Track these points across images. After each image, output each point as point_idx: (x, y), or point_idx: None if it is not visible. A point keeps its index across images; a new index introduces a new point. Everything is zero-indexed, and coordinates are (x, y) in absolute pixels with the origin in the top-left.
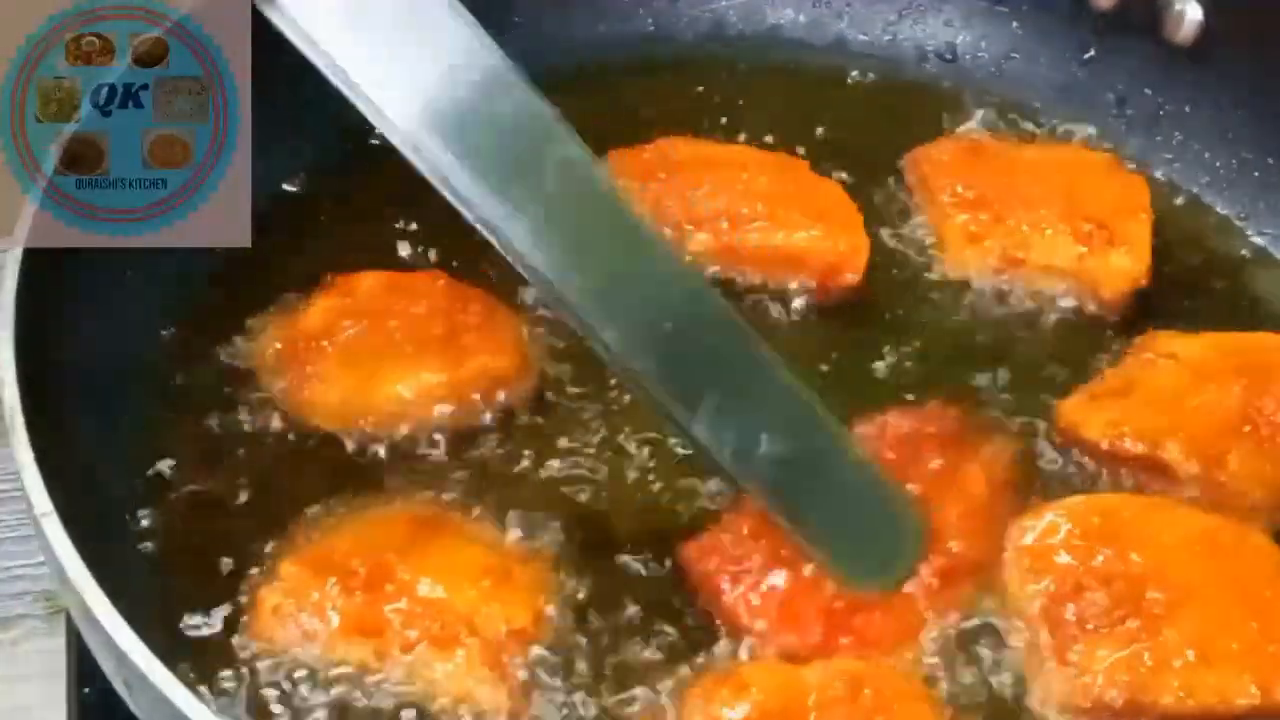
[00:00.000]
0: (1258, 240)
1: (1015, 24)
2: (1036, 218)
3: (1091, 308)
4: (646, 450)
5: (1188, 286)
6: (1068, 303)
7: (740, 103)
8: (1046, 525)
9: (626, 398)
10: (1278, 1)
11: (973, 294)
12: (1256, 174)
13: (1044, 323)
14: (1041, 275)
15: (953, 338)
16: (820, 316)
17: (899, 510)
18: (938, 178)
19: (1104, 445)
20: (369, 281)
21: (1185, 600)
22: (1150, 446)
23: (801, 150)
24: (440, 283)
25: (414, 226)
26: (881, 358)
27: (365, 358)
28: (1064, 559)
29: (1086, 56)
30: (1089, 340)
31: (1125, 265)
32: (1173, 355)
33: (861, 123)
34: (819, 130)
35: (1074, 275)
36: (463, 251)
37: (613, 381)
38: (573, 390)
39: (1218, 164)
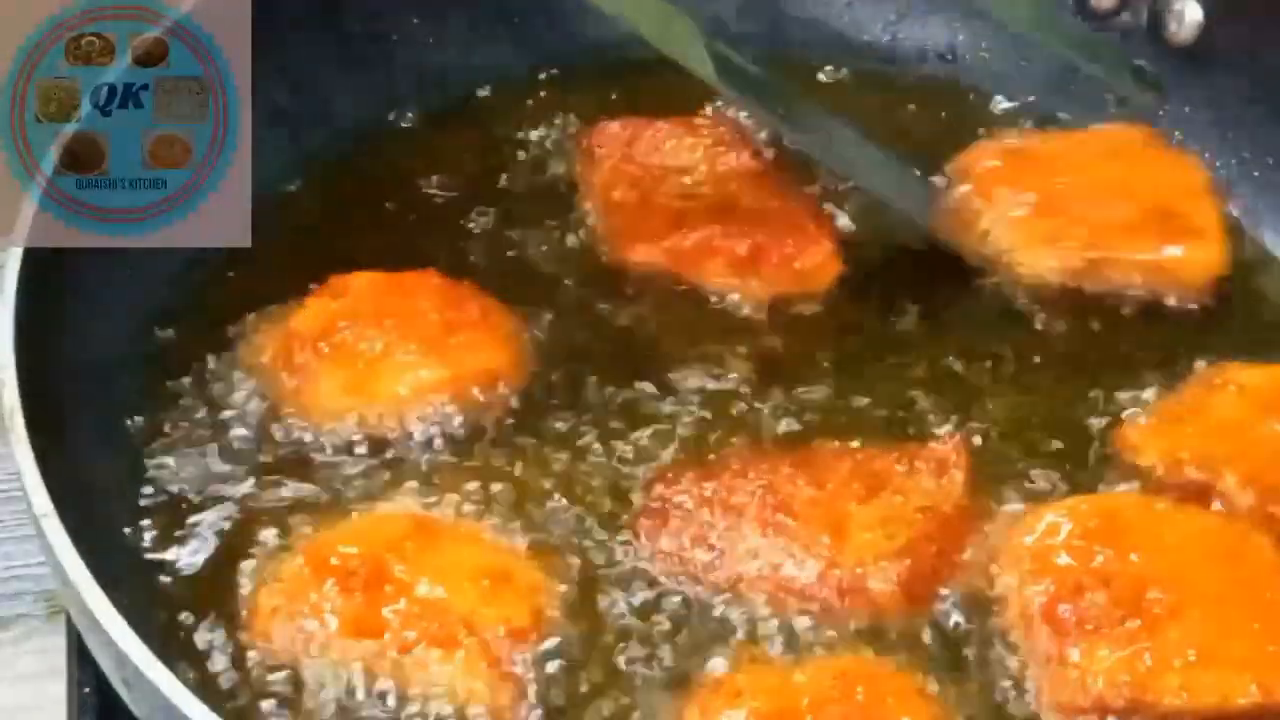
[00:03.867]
0: (1258, 240)
1: None
2: (1107, 214)
3: (1170, 301)
4: (649, 445)
5: None
6: (1141, 297)
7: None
8: (1047, 525)
9: (623, 394)
10: (1278, 1)
11: (1039, 296)
12: (1256, 174)
13: (1120, 322)
14: (1120, 272)
15: (1017, 342)
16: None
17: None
18: (993, 183)
19: (1159, 471)
20: (362, 281)
21: (1186, 600)
22: (1209, 475)
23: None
24: (434, 281)
25: (413, 226)
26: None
27: (361, 357)
28: (1064, 560)
29: None
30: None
31: (1204, 254)
32: (1236, 385)
33: (861, 123)
34: None
35: (1155, 269)
36: (461, 250)
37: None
38: (569, 387)
39: (1218, 164)
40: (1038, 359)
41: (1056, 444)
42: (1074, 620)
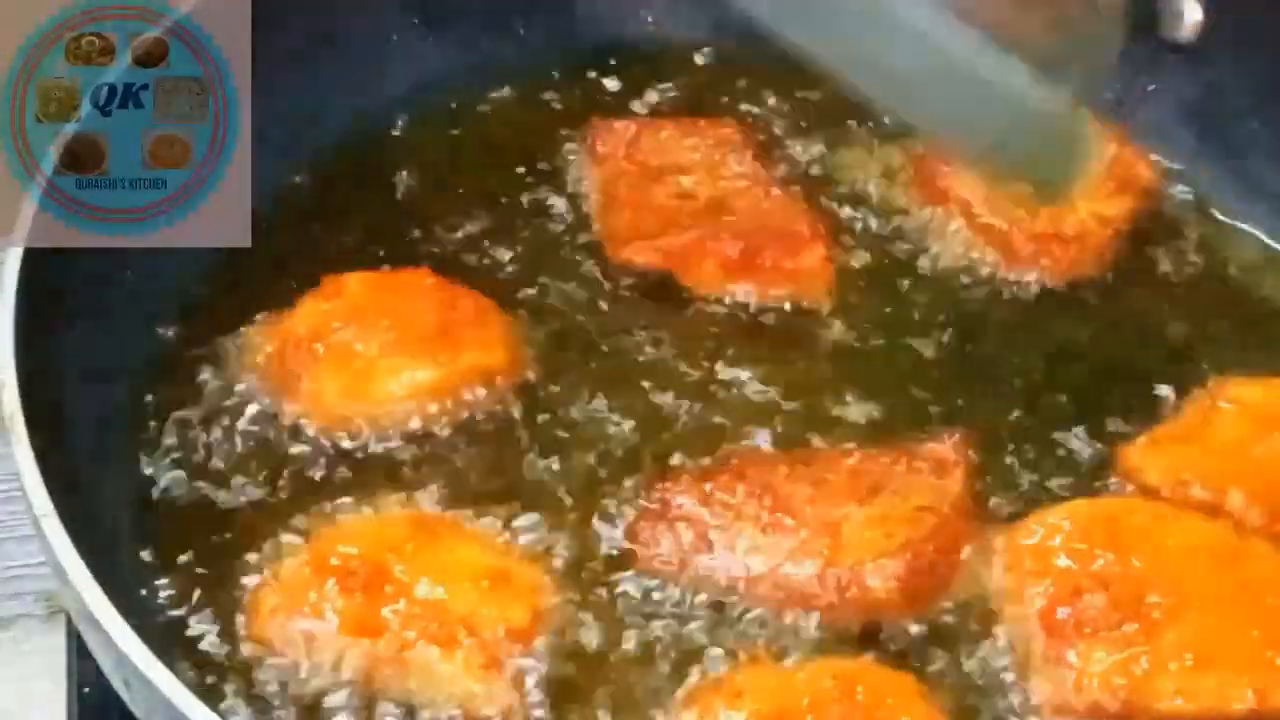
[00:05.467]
0: (1257, 240)
1: None
2: None
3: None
4: (646, 444)
5: (1190, 286)
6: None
7: (740, 103)
8: (1048, 527)
9: (620, 393)
10: (1278, 1)
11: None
12: (1256, 174)
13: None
14: None
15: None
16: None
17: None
18: None
19: (1164, 492)
20: (357, 281)
21: (1185, 605)
22: (1214, 494)
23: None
24: (429, 280)
25: (413, 226)
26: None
27: (358, 357)
28: (1065, 561)
29: None
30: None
31: None
32: (1236, 401)
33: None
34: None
35: None
36: (459, 249)
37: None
38: (566, 387)
39: (1217, 164)
40: (1043, 365)
41: (1059, 451)
42: (1072, 622)
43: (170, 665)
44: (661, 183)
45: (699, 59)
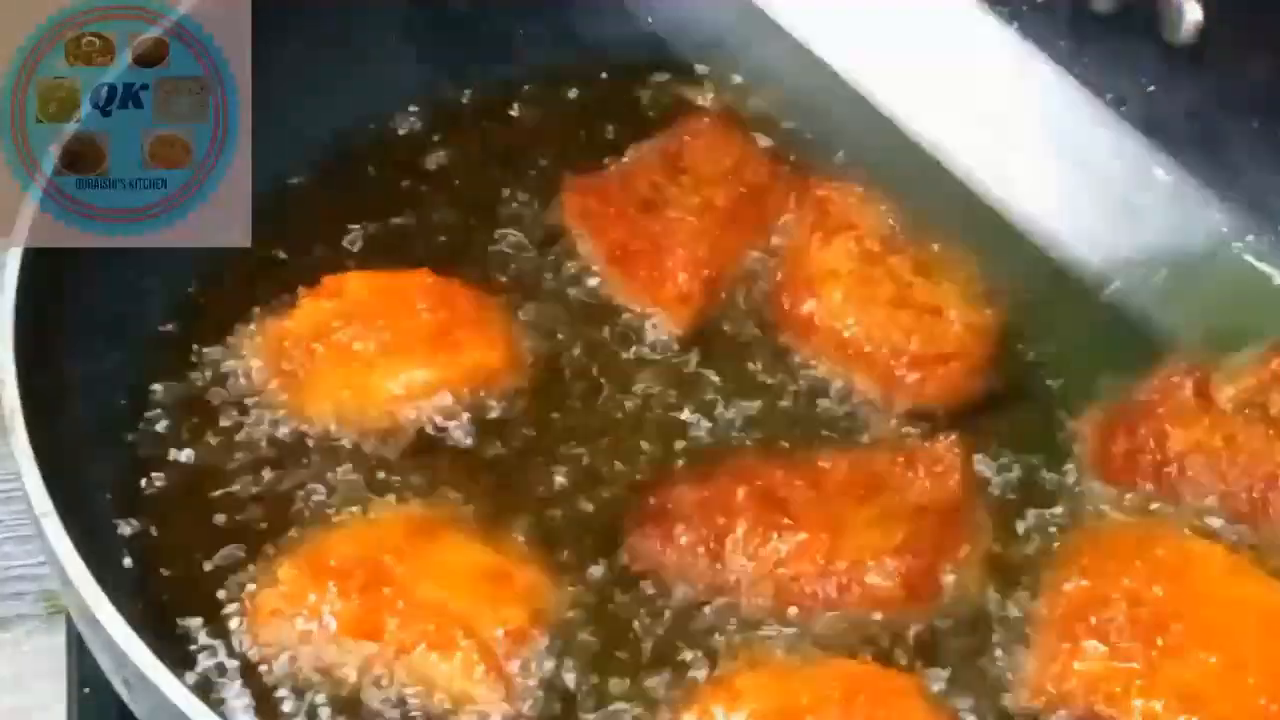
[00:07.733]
0: (1255, 242)
1: (1015, 24)
2: None
3: None
4: (642, 444)
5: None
6: None
7: (740, 103)
8: (1120, 539)
9: (620, 393)
10: (1277, 1)
11: None
12: (1255, 174)
13: None
14: None
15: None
16: None
17: None
18: None
19: None
20: (355, 282)
21: (1205, 650)
22: None
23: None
24: (428, 280)
25: (412, 226)
26: None
27: (357, 357)
28: (1110, 572)
29: (1086, 57)
30: None
31: None
32: None
33: None
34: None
35: None
36: (458, 250)
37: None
38: (565, 386)
39: (1216, 164)
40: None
41: (1058, 450)
42: (1085, 622)
43: (170, 665)
44: (649, 215)
45: (698, 64)
